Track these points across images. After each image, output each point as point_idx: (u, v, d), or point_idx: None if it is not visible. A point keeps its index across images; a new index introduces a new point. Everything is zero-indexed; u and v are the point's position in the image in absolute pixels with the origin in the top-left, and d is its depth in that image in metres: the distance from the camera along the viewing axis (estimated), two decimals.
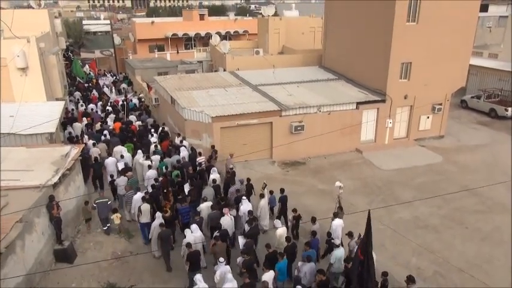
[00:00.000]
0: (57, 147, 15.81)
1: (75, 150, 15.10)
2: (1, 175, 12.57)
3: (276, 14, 39.44)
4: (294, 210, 13.41)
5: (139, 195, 13.91)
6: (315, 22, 36.15)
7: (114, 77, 39.39)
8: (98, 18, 70.67)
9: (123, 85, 33.96)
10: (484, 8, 45.29)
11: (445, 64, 22.28)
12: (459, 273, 12.50)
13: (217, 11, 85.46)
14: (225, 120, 19.29)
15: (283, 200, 14.48)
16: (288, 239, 11.47)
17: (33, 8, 29.45)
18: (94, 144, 18.32)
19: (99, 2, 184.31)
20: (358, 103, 21.77)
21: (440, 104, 23.37)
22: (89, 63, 43.48)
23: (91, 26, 53.51)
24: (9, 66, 19.63)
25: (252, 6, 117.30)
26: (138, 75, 33.47)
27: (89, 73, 39.87)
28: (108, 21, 57.93)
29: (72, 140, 19.73)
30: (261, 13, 41.96)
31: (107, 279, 11.88)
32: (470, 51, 23.67)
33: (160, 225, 12.29)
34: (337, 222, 12.65)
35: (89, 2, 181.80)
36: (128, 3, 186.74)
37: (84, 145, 16.97)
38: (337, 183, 14.69)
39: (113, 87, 33.75)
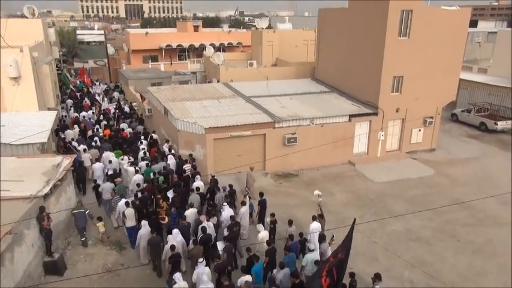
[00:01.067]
0: (49, 157, 15.66)
1: (66, 161, 14.96)
2: None
3: (269, 27, 39.87)
4: (272, 215, 13.77)
5: (123, 201, 14.04)
6: (308, 35, 36.58)
7: (106, 86, 39.64)
8: (92, 28, 70.82)
9: (115, 93, 34.73)
10: (473, 24, 46.30)
11: (436, 78, 22.62)
12: (451, 286, 12.52)
13: (212, 22, 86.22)
14: (218, 131, 19.30)
15: (263, 204, 14.91)
16: (268, 242, 11.85)
17: (26, 18, 29.38)
18: (85, 150, 18.90)
19: (93, 12, 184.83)
20: (350, 116, 21.94)
21: (432, 118, 23.65)
22: (78, 71, 43.38)
23: (85, 36, 53.54)
24: (1, 75, 19.50)
25: (246, 19, 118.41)
26: (131, 85, 33.44)
27: (80, 82, 39.84)
28: (102, 32, 58.05)
29: (65, 144, 20.04)
30: (254, 25, 42.37)
31: None
32: (460, 66, 24.14)
33: (151, 232, 12.50)
34: (314, 226, 12.87)
35: (83, 12, 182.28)
36: (122, 14, 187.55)
37: (75, 155, 16.90)
38: (316, 192, 14.99)
39: (105, 96, 34.19)
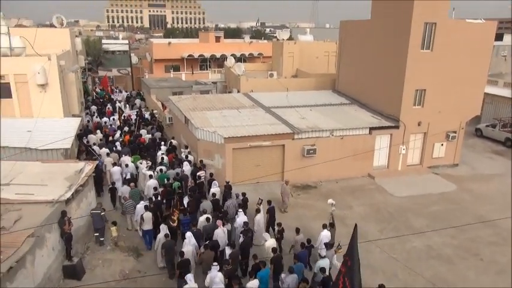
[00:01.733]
0: (72, 163, 16.03)
1: (88, 167, 15.27)
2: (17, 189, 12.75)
3: (290, 38, 40.06)
4: (279, 225, 13.96)
5: (141, 204, 14.54)
6: (329, 47, 36.57)
7: (127, 93, 41.01)
8: (117, 38, 72.47)
9: (137, 100, 36.08)
10: (499, 37, 45.33)
11: (460, 92, 22.20)
12: None
13: (233, 33, 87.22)
14: (237, 141, 19.38)
15: (271, 211, 15.05)
16: (274, 250, 12.06)
17: (55, 27, 30.40)
18: (108, 154, 19.86)
19: (118, 22, 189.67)
20: (371, 128, 21.71)
21: (455, 132, 23.16)
22: (101, 79, 44.74)
23: (110, 45, 54.85)
24: (29, 82, 20.15)
25: (267, 30, 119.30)
26: (153, 94, 34.02)
27: (100, 90, 41.01)
28: (126, 41, 59.45)
29: (86, 148, 21.22)
30: (275, 37, 42.62)
31: None
32: (485, 80, 23.61)
33: (165, 235, 12.82)
34: (325, 233, 13.11)
35: (108, 22, 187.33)
36: (146, 24, 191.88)
37: (97, 161, 17.30)
38: (330, 201, 15.07)
39: (127, 103, 35.54)
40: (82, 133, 23.32)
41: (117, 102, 34.89)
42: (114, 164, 18.77)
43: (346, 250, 9.40)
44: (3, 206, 11.92)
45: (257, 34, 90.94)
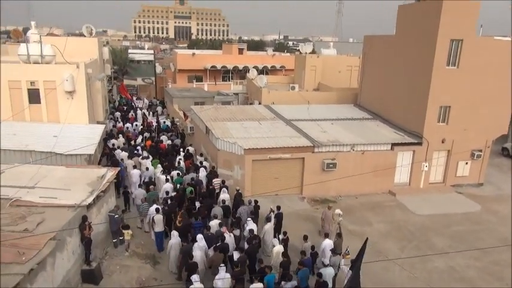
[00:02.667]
0: (95, 168, 16.35)
1: (110, 173, 15.53)
2: (41, 192, 13.04)
3: (313, 52, 40.13)
4: (284, 233, 14.29)
5: (154, 207, 15.03)
6: (352, 61, 36.43)
7: (150, 102, 42.20)
8: (143, 48, 74.13)
9: (158, 108, 37.92)
10: None
11: (486, 110, 21.69)
12: None
13: (256, 46, 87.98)
14: (257, 153, 19.40)
15: (279, 217, 15.41)
16: (284, 254, 12.39)
17: (84, 36, 31.36)
18: (129, 157, 20.83)
19: (144, 32, 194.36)
20: (393, 144, 21.40)
21: (480, 151, 22.57)
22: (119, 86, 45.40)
23: (135, 55, 56.08)
24: (57, 89, 20.79)
25: (290, 43, 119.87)
26: (175, 103, 34.55)
27: (120, 97, 42.13)
28: (152, 51, 60.69)
29: (110, 150, 22.13)
30: (298, 50, 42.76)
31: None
32: None
33: (182, 241, 13.41)
34: (326, 242, 13.38)
35: (135, 32, 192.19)
36: (172, 35, 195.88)
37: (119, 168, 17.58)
38: (337, 211, 15.22)
39: (150, 111, 36.84)
40: (107, 137, 24.48)
41: (138, 109, 35.97)
42: (135, 167, 19.43)
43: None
44: (27, 208, 12.22)
45: (280, 47, 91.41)
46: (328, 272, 11.82)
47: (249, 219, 14.56)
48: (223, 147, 19.97)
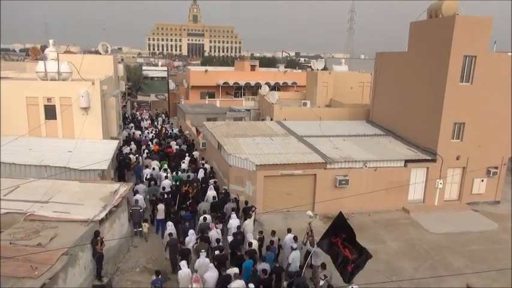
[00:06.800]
0: (108, 183, 16.51)
1: (123, 188, 15.66)
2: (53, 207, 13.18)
3: (325, 68, 40.27)
4: (260, 232, 15.38)
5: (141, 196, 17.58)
6: (364, 77, 36.45)
7: (156, 113, 47.01)
8: (156, 65, 75.48)
9: (159, 118, 42.35)
10: None
11: (502, 126, 21.40)
12: None
13: (268, 62, 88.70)
14: (269, 169, 19.36)
15: (246, 210, 17.08)
16: (249, 244, 14.11)
17: (100, 54, 32.09)
18: (136, 158, 24.15)
19: (158, 49, 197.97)
20: (406, 161, 21.15)
21: (496, 168, 22.15)
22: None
23: (149, 72, 57.11)
24: (73, 105, 21.19)
25: (302, 60, 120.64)
26: (188, 119, 34.87)
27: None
28: (165, 68, 61.71)
29: (127, 155, 24.49)
30: (310, 66, 42.96)
31: None
32: None
33: (169, 235, 14.60)
34: (288, 237, 14.54)
35: (149, 50, 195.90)
36: (185, 52, 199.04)
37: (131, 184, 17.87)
38: (308, 212, 15.67)
39: (154, 120, 41.56)
40: (123, 144, 27.78)
41: (143, 120, 40.76)
42: (146, 167, 22.16)
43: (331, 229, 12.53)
44: (41, 222, 12.34)
45: (291, 63, 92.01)
46: (295, 256, 13.45)
47: (232, 214, 16.29)
48: (235, 163, 19.99)
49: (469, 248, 17.54)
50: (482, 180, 22.27)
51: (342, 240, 12.23)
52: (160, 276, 12.25)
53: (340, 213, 12.66)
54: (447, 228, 19.35)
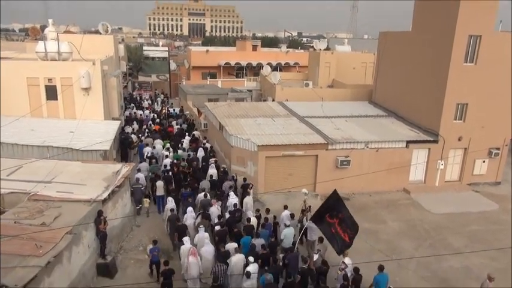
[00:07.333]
0: (110, 164, 16.58)
1: (126, 168, 15.73)
2: (57, 187, 13.28)
3: (327, 48, 39.80)
4: (257, 210, 15.85)
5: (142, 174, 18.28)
6: (366, 57, 36.07)
7: (154, 94, 47.37)
8: (157, 45, 74.65)
9: (158, 99, 42.24)
10: None
11: (505, 107, 21.26)
12: None
13: (270, 42, 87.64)
14: (270, 149, 19.38)
15: (245, 187, 17.61)
16: (248, 220, 14.69)
17: (100, 34, 31.72)
18: (139, 137, 25.21)
19: (159, 29, 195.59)
20: (408, 142, 21.13)
21: (498, 149, 22.13)
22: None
23: (150, 52, 56.50)
24: (74, 85, 21.08)
25: (304, 40, 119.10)
26: (189, 100, 34.73)
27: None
28: (166, 48, 61.07)
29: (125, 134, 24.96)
30: (312, 46, 42.48)
31: None
32: None
33: (171, 210, 14.99)
34: (284, 214, 15.22)
35: (150, 30, 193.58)
36: (186, 32, 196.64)
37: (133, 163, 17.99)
38: (303, 190, 16.24)
39: (154, 101, 41.70)
40: (125, 123, 28.33)
41: (144, 100, 41.11)
42: (146, 145, 22.70)
43: (323, 208, 12.54)
44: (45, 202, 12.46)
45: (294, 44, 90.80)
46: (287, 232, 14.00)
47: (230, 191, 16.72)
48: (237, 143, 20.01)
49: (469, 228, 17.70)
50: (484, 161, 22.28)
51: (339, 221, 12.15)
52: (157, 245, 13.13)
53: (335, 191, 12.51)
54: (448, 208, 19.48)
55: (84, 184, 14.06)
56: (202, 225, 13.62)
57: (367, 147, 20.61)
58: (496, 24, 20.70)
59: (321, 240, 13.18)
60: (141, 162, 20.47)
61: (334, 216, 12.21)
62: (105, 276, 12.80)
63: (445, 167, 21.79)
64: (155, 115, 32.69)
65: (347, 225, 11.94)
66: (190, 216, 14.94)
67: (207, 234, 13.38)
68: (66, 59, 22.04)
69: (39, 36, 36.62)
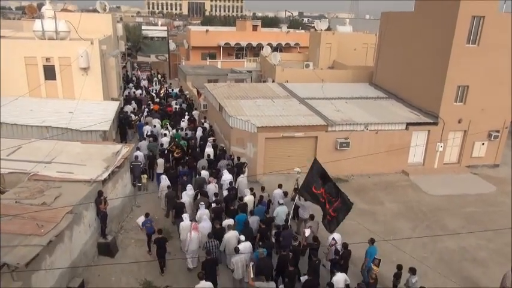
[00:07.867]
0: (110, 144, 16.59)
1: (125, 149, 15.75)
2: (57, 168, 13.32)
3: (329, 29, 39.30)
4: (251, 189, 15.87)
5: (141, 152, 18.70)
6: (368, 38, 35.67)
7: (150, 74, 46.55)
8: (156, 24, 73.61)
9: (154, 79, 41.89)
10: None
11: (506, 90, 21.14)
12: None
13: (271, 23, 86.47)
14: (270, 131, 19.37)
15: (239, 166, 17.96)
16: (240, 199, 14.98)
17: (98, 12, 31.27)
18: (139, 116, 25.24)
19: (158, 8, 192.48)
20: (408, 124, 21.11)
21: (498, 131, 22.13)
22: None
23: (149, 32, 55.80)
24: (72, 65, 20.90)
25: (305, 20, 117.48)
26: (189, 80, 34.51)
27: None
28: (165, 28, 60.26)
29: (124, 114, 24.90)
30: (313, 27, 41.95)
31: (144, 277, 12.24)
32: None
33: (168, 187, 15.43)
34: (277, 192, 15.39)
35: (148, 9, 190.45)
36: (185, 11, 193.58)
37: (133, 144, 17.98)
38: (296, 169, 16.30)
39: (151, 80, 41.43)
40: (124, 102, 28.55)
41: (142, 80, 40.55)
42: (146, 124, 23.06)
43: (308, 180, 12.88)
44: (45, 182, 12.53)
45: (294, 24, 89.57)
46: (280, 210, 14.24)
47: (224, 170, 16.95)
48: (236, 124, 19.98)
49: (466, 210, 17.87)
50: (483, 144, 22.32)
51: (324, 190, 12.39)
52: (149, 217, 13.46)
53: (315, 160, 13.17)
54: (445, 190, 19.62)
55: (84, 164, 14.10)
56: (203, 202, 13.89)
57: (367, 129, 20.60)
58: (500, 4, 20.39)
59: (311, 217, 13.51)
60: (140, 140, 20.64)
61: (321, 186, 12.55)
62: (106, 255, 13.00)
63: (444, 149, 21.84)
64: (154, 95, 32.74)
65: (331, 194, 12.21)
66: (188, 194, 15.22)
67: (207, 211, 13.77)
68: (64, 38, 21.80)
69: (36, 14, 36.13)
